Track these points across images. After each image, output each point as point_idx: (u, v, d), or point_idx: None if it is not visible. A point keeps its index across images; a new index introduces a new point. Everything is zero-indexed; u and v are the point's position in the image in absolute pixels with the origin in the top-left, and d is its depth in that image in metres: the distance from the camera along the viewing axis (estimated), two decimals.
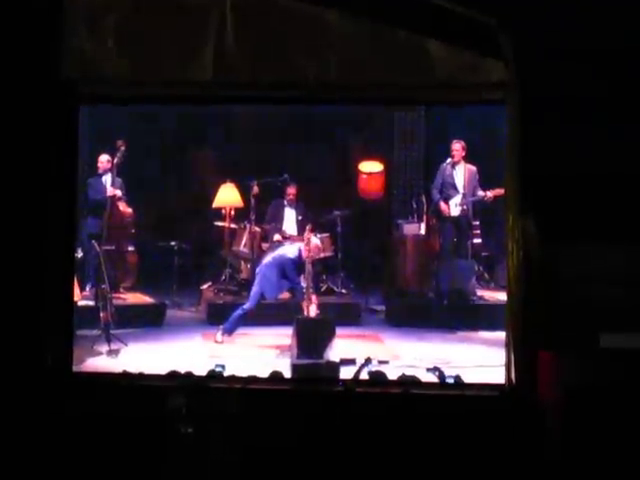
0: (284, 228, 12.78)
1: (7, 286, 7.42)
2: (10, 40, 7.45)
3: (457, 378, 8.38)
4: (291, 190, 12.76)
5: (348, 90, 7.94)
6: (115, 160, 12.02)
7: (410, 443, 7.16)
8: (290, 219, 12.85)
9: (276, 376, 8.45)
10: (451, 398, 7.63)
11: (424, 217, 12.66)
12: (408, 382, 8.11)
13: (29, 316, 7.46)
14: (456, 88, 7.81)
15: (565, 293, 6.99)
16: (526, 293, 7.14)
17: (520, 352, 7.27)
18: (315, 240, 10.95)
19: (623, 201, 7.02)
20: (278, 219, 12.84)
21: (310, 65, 7.71)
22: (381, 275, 12.96)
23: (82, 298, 10.76)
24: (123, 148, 11.92)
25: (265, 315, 11.24)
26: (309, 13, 7.67)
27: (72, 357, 7.87)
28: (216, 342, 10.75)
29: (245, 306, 10.90)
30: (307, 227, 11.17)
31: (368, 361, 8.80)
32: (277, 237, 12.64)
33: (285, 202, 12.86)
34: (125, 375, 8.24)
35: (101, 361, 9.80)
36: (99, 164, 12.14)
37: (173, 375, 8.00)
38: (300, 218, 12.71)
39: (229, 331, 10.82)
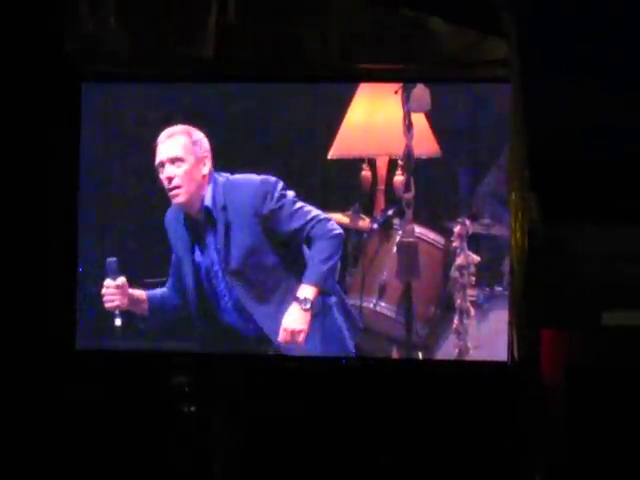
0: None
1: (9, 259, 7.43)
2: (10, 18, 7.41)
3: None
4: None
5: (350, 68, 7.91)
6: None
7: (408, 422, 7.20)
8: None
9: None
10: (451, 376, 7.64)
11: None
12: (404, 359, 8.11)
13: (31, 290, 7.46)
14: (458, 66, 7.78)
15: (568, 270, 6.99)
16: (529, 270, 7.14)
17: (522, 330, 7.27)
18: None
19: (627, 180, 7.02)
20: None
21: (312, 43, 7.71)
22: None
23: None
24: None
25: None
26: None
27: (74, 334, 7.87)
28: None
29: None
30: None
31: None
32: None
33: None
34: (127, 352, 8.21)
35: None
36: None
37: (174, 352, 7.99)
38: None
39: None
